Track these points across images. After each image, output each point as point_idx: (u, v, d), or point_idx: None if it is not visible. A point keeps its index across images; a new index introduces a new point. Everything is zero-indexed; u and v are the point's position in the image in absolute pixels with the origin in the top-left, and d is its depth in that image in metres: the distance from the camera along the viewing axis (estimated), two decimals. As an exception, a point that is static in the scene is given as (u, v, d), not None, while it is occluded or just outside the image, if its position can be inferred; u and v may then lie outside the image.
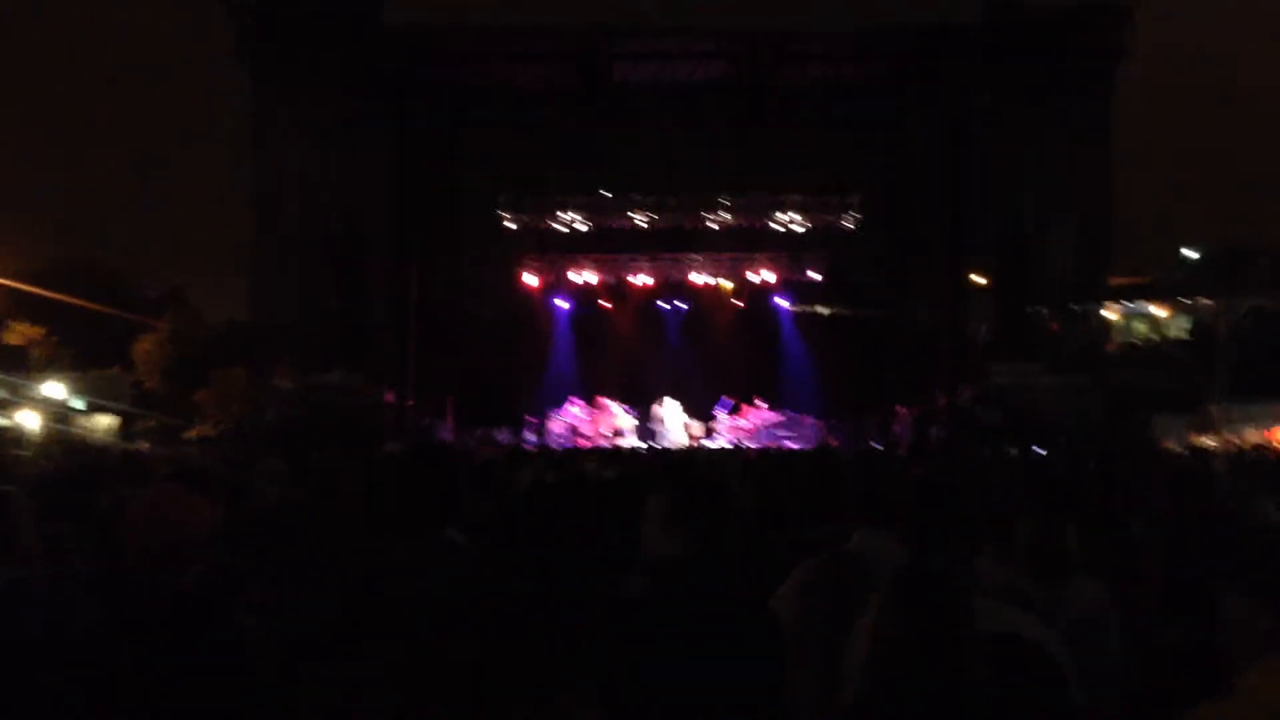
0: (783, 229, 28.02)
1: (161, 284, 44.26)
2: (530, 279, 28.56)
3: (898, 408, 27.15)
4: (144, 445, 26.12)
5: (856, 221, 28.01)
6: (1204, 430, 22.70)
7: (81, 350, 33.77)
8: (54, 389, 26.67)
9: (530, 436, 26.78)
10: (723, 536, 3.33)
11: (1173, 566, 3.90)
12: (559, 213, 27.74)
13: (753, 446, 25.07)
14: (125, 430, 29.09)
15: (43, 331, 33.37)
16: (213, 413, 28.06)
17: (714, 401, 27.53)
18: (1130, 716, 2.74)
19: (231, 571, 3.15)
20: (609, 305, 29.44)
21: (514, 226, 27.97)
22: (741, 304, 29.43)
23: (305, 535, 5.38)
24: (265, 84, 27.17)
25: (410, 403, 26.77)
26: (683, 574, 3.19)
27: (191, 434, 26.57)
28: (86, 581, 2.74)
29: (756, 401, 27.55)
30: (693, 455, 17.73)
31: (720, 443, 26.24)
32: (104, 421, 29.48)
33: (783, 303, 29.52)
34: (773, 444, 25.59)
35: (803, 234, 28.16)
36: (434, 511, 3.05)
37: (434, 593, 2.82)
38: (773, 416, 27.30)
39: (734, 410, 27.50)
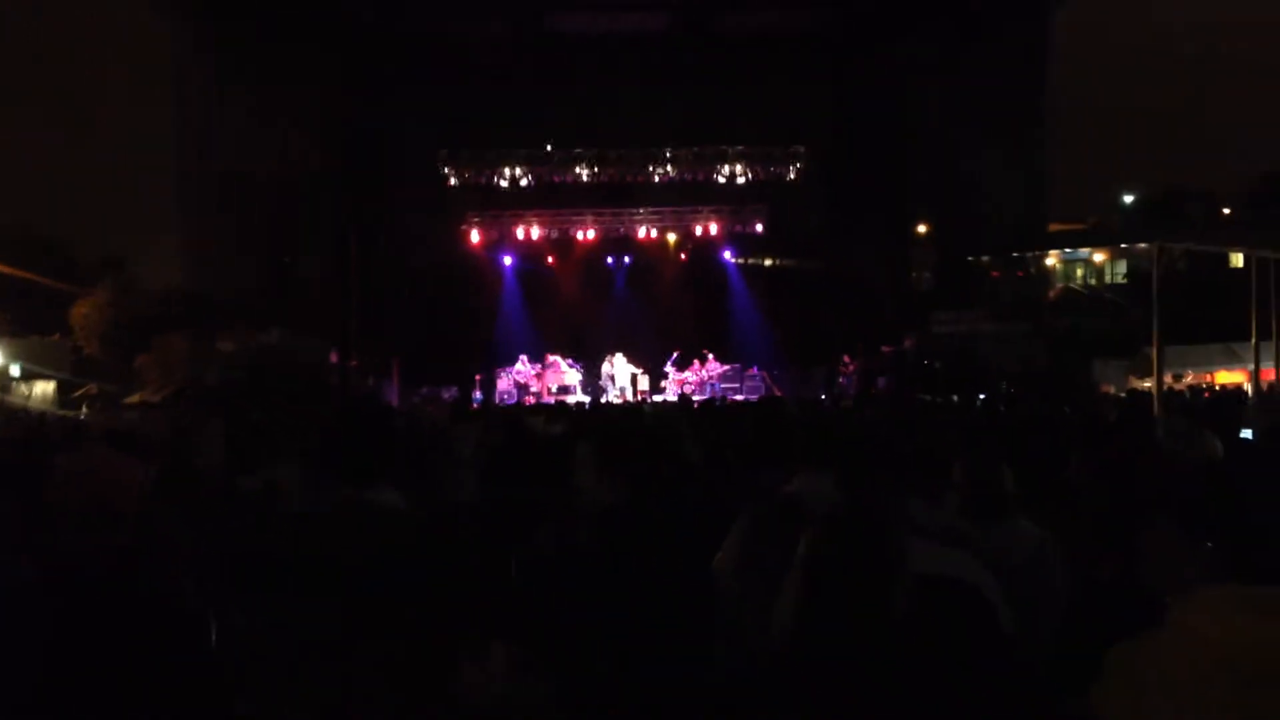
0: (726, 181, 27.98)
1: (100, 250, 43.58)
2: (474, 235, 28.36)
3: (844, 358, 27.32)
4: (83, 412, 25.77)
5: (800, 173, 28.04)
6: (1143, 373, 23.05)
7: (18, 317, 33.19)
8: (-11, 356, 26.24)
9: (477, 395, 26.69)
10: (654, 484, 3.32)
11: (1105, 504, 3.95)
12: (502, 168, 27.51)
13: (700, 399, 25.18)
14: (64, 397, 28.66)
15: (-22, 298, 32.76)
16: (154, 378, 27.69)
17: (661, 356, 27.54)
18: (1065, 652, 2.77)
19: (164, 532, 3.10)
20: (554, 261, 29.32)
21: (455, 182, 27.71)
22: (686, 257, 29.43)
23: (244, 496, 5.35)
24: (198, 43, 26.62)
25: (354, 363, 26.53)
26: (612, 522, 3.19)
27: (133, 400, 26.22)
28: (14, 544, 2.70)
29: (704, 355, 27.61)
30: (638, 409, 17.74)
31: (668, 397, 26.29)
32: (43, 388, 29.02)
33: (728, 255, 29.57)
34: (720, 397, 25.70)
35: (746, 186, 28.14)
36: (368, 467, 3.02)
37: (365, 548, 2.79)
38: (719, 369, 27.38)
39: (681, 364, 27.53)
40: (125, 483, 2.82)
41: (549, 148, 27.77)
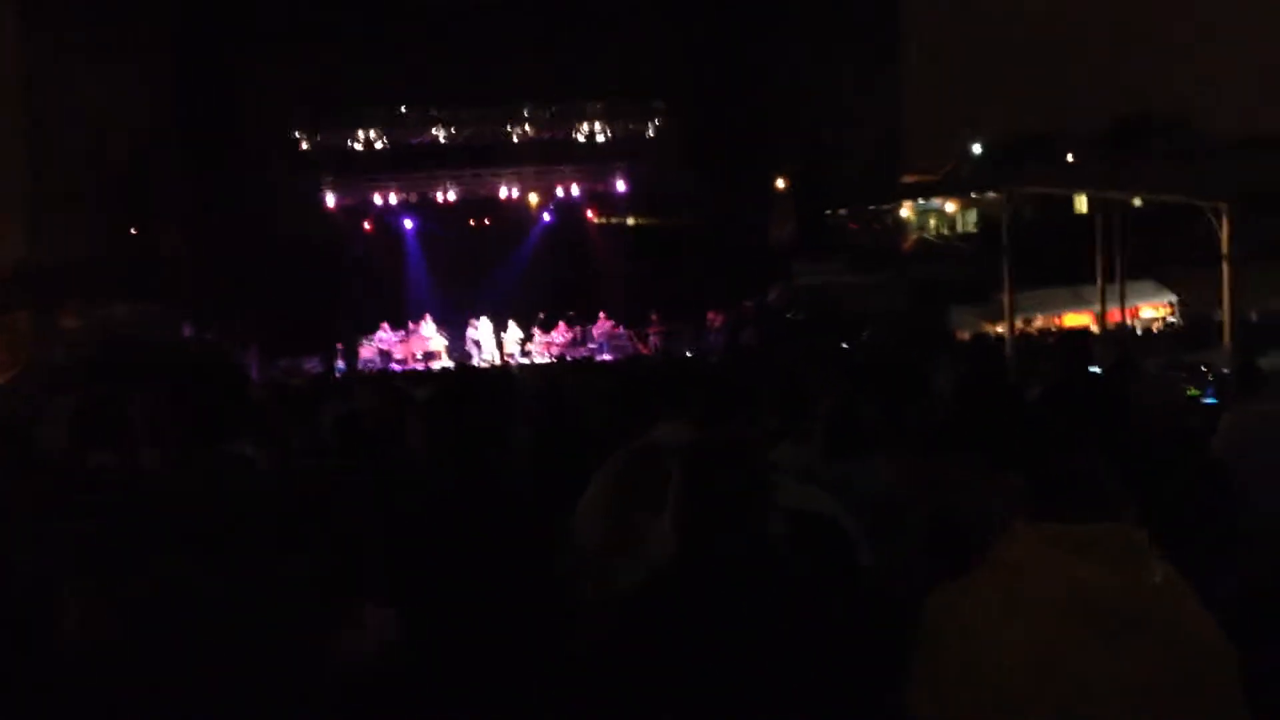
0: (586, 139, 27.87)
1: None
2: (330, 200, 27.75)
3: (709, 314, 27.56)
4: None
5: (659, 130, 28.07)
6: (995, 318, 23.81)
7: None
8: None
9: (340, 364, 26.23)
10: (496, 449, 3.31)
11: (955, 440, 4.06)
12: (355, 130, 26.92)
13: (568, 358, 25.20)
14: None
15: None
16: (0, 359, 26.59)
17: (526, 318, 27.40)
18: (917, 584, 2.84)
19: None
20: (414, 224, 28.89)
21: (307, 146, 27.03)
22: (549, 218, 29.31)
23: (95, 472, 5.16)
24: (32, 7, 25.37)
25: (209, 335, 25.82)
26: (451, 486, 3.18)
27: (-24, 381, 25.14)
28: None
29: (569, 316, 27.56)
30: (503, 371, 17.70)
31: (535, 359, 26.22)
32: (-123, 376, 27.60)
33: (590, 215, 29.52)
34: (587, 356, 25.76)
35: (606, 144, 28.07)
36: (221, 423, 2.93)
37: (221, 504, 2.71)
38: (587, 329, 27.38)
39: (546, 326, 27.43)
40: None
41: (403, 109, 27.25)
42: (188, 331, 25.05)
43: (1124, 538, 2.18)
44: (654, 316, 27.32)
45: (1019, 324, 22.80)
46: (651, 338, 27.15)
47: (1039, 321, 26.37)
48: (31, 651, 2.65)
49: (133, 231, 25.80)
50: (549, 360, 25.69)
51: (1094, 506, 2.19)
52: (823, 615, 2.51)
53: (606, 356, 25.23)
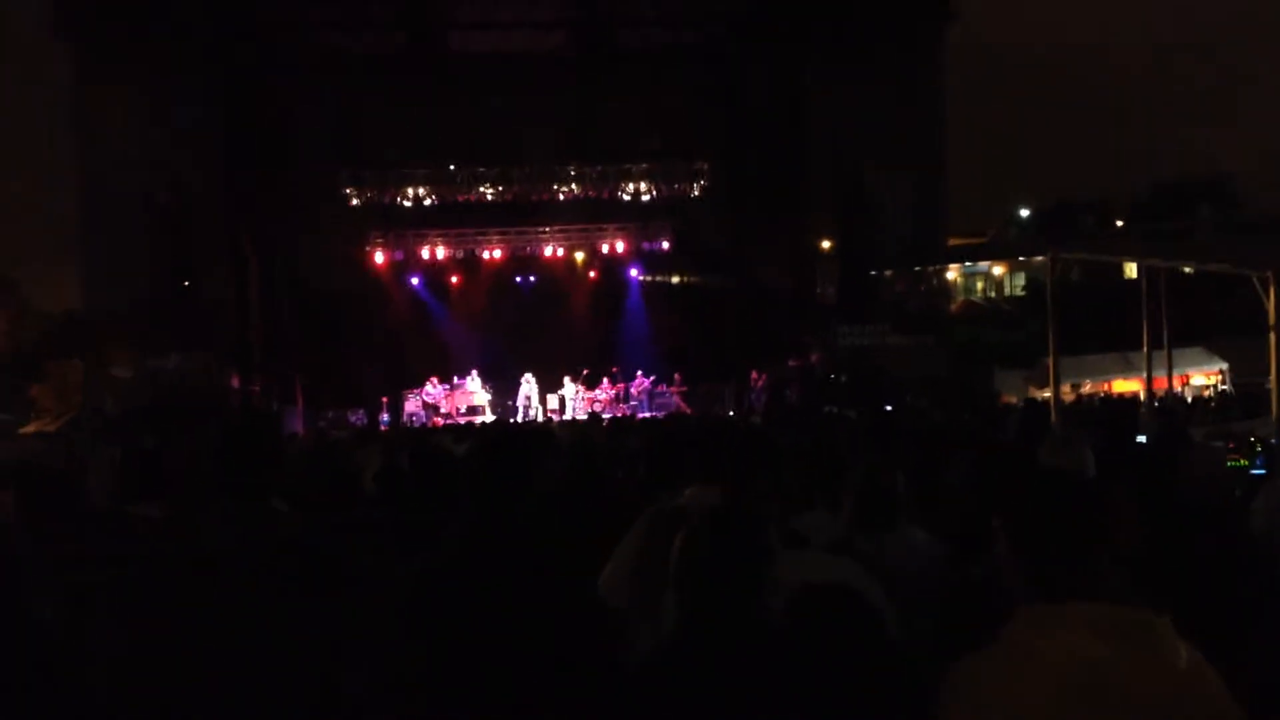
0: (631, 198, 28.07)
1: (-8, 278, 42.32)
2: (377, 255, 28.09)
3: (751, 373, 27.53)
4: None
5: (704, 189, 28.23)
6: (1041, 383, 23.59)
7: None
8: (-124, 388, 25.34)
9: (385, 417, 26.40)
10: (524, 499, 3.32)
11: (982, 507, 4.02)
12: (404, 186, 27.28)
13: (610, 416, 25.18)
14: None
15: None
16: (50, 406, 26.97)
17: (571, 375, 27.50)
18: (940, 653, 2.81)
19: (26, 561, 3.01)
20: (460, 281, 29.16)
21: (357, 201, 27.40)
22: (594, 276, 29.49)
23: (137, 523, 5.22)
24: (88, 58, 26.00)
25: (256, 387, 26.09)
26: (481, 537, 3.18)
27: (29, 429, 25.50)
28: None
29: (613, 373, 27.64)
30: (546, 427, 17.69)
31: (578, 416, 26.26)
32: (-65, 421, 28.08)
33: (635, 273, 29.67)
34: (630, 414, 25.74)
35: (651, 203, 28.26)
36: (254, 479, 2.97)
37: (251, 556, 2.75)
38: (630, 387, 27.44)
39: (590, 383, 27.52)
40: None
41: (452, 167, 27.59)
42: (235, 383, 25.32)
43: (1144, 620, 2.14)
44: (676, 376, 27.37)
45: (1066, 390, 22.56)
46: (673, 397, 27.16)
47: (1087, 387, 26.11)
48: (61, 699, 2.68)
49: (185, 284, 26.14)
50: (595, 416, 25.70)
51: (1110, 586, 2.17)
52: (832, 688, 2.49)
53: (647, 414, 25.21)
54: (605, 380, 27.52)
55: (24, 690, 2.59)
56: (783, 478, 3.46)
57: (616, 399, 27.24)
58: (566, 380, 27.39)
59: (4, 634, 2.61)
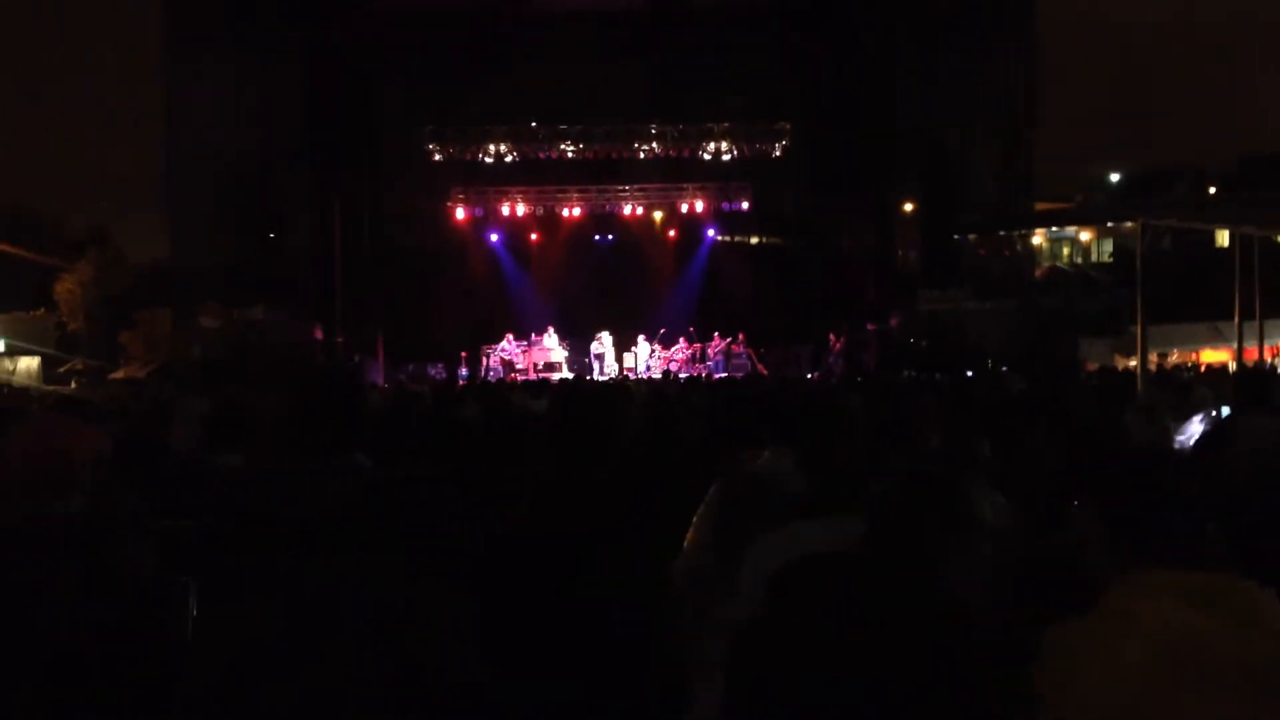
0: (711, 158, 27.90)
1: (84, 224, 43.41)
2: (458, 211, 28.27)
3: (829, 336, 27.32)
4: (72, 387, 25.71)
5: (785, 150, 27.95)
6: (1127, 352, 23.11)
7: (2, 292, 33.10)
8: (-28, 332, 26.16)
9: (463, 372, 26.65)
10: (600, 465, 3.32)
11: (1060, 480, 3.95)
12: (485, 143, 27.37)
13: (686, 376, 25.16)
14: (51, 372, 28.61)
15: (-42, 273, 32.63)
16: (139, 353, 27.65)
17: (648, 333, 27.53)
18: (1005, 623, 2.77)
19: (121, 501, 3.08)
20: (539, 239, 29.27)
21: (439, 157, 27.57)
22: (673, 235, 29.42)
23: (220, 471, 5.33)
24: (177, 13, 26.38)
25: (339, 339, 26.48)
26: (554, 498, 3.19)
27: (118, 375, 26.17)
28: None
29: (690, 332, 27.59)
30: (624, 386, 17.73)
31: (654, 374, 26.27)
32: (27, 364, 28.93)
33: (713, 233, 29.54)
34: (706, 374, 25.69)
35: (732, 163, 28.06)
36: (337, 434, 2.99)
37: (333, 511, 2.78)
38: (705, 347, 27.38)
39: (667, 341, 27.51)
40: (79, 451, 2.79)
41: (533, 124, 27.61)
42: (318, 335, 25.71)
43: (1244, 588, 2.11)
44: (740, 336, 27.19)
45: (1153, 359, 22.09)
46: (748, 358, 27.00)
47: (1174, 356, 25.52)
48: (154, 650, 2.73)
49: (270, 236, 26.56)
50: (673, 376, 25.73)
51: (1208, 556, 2.13)
52: (923, 649, 2.47)
53: (722, 374, 25.14)
54: (681, 340, 27.50)
55: (128, 641, 2.65)
56: (859, 443, 3.41)
57: (692, 359, 27.22)
58: (642, 339, 27.44)
59: (108, 582, 2.67)
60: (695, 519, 3.76)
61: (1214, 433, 6.26)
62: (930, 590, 2.47)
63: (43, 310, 33.47)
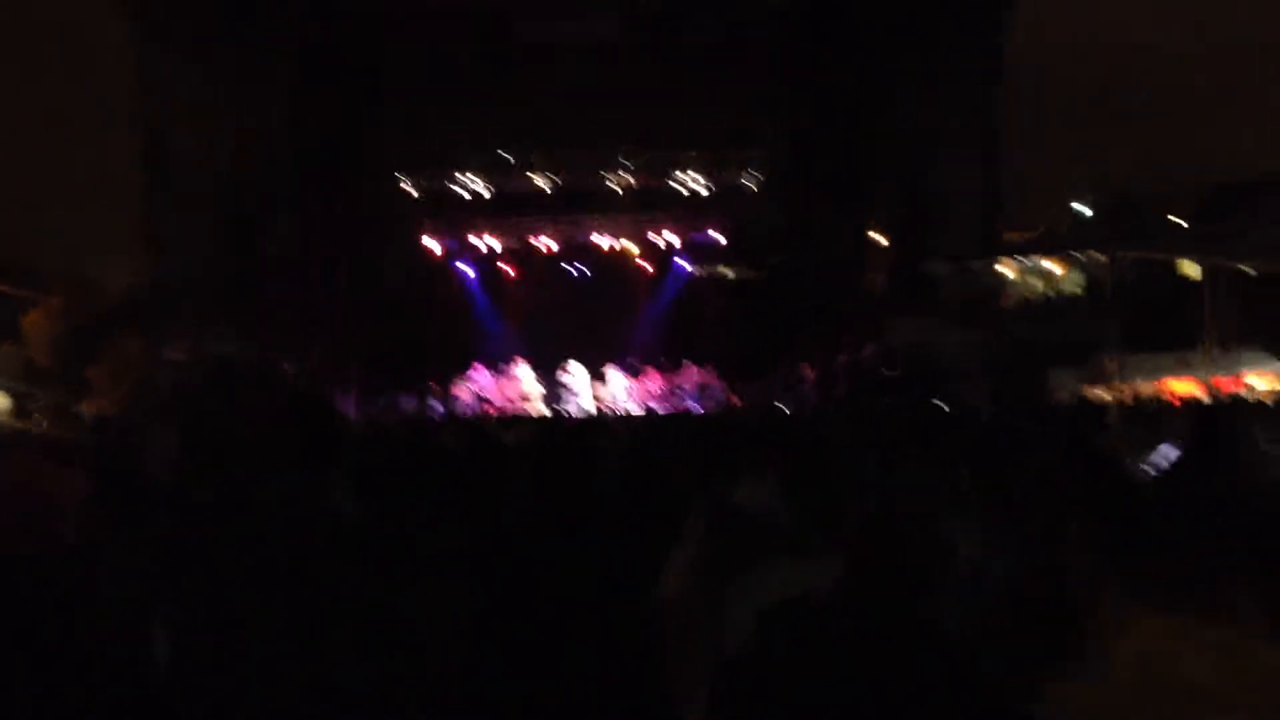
0: (683, 188, 28.03)
1: (56, 254, 42.94)
2: (431, 243, 28.24)
3: (803, 366, 27.40)
4: (43, 423, 25.42)
5: (757, 180, 28.12)
6: (1097, 382, 23.27)
7: (-33, 329, 32.71)
8: (-63, 366, 25.80)
9: (436, 405, 26.55)
10: (583, 501, 3.32)
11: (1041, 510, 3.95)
12: (457, 174, 27.40)
13: (659, 409, 25.19)
14: (22, 408, 28.28)
15: (-77, 305, 32.24)
16: (106, 386, 27.34)
17: (620, 364, 27.54)
18: (995, 659, 2.76)
19: (102, 542, 3.04)
20: (512, 269, 29.27)
21: (411, 189, 27.58)
22: (645, 265, 29.49)
23: (197, 504, 5.28)
24: (151, 39, 26.26)
25: (311, 371, 26.31)
26: (536, 538, 3.18)
27: (85, 408, 25.87)
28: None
29: (663, 364, 27.62)
30: (603, 422, 17.77)
31: (627, 407, 26.28)
32: (-2, 401, 28.57)
33: (685, 263, 29.62)
34: (679, 406, 25.73)
35: (704, 193, 28.20)
36: (312, 457, 2.97)
37: (304, 547, 2.76)
38: (678, 379, 27.40)
39: (639, 374, 27.52)
40: (57, 494, 2.76)
41: (504, 155, 27.68)
42: (289, 367, 25.55)
43: (1251, 636, 2.08)
44: (710, 367, 27.31)
45: (1123, 388, 22.26)
46: (721, 389, 27.10)
47: (1142, 387, 25.71)
48: (123, 680, 2.70)
49: (242, 267, 26.41)
50: (639, 408, 25.74)
51: (1220, 601, 2.10)
52: (899, 679, 2.46)
53: (695, 406, 25.16)
54: (654, 371, 27.51)
55: (96, 672, 2.61)
56: (841, 475, 3.41)
57: (665, 390, 27.22)
58: (614, 370, 27.43)
59: (91, 618, 2.64)
60: (673, 552, 3.75)
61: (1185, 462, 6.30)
62: (912, 628, 2.46)
63: (8, 344, 33.08)
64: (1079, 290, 33.91)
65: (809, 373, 27.21)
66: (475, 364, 27.26)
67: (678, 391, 27.13)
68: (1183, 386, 25.01)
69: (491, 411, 25.41)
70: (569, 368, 27.18)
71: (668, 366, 27.58)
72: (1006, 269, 34.04)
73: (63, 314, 34.36)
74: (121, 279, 33.17)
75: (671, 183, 27.96)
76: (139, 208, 27.42)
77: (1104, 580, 2.23)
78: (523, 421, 16.14)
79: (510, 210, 28.33)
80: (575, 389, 27.10)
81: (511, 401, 26.65)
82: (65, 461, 2.84)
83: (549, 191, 28.02)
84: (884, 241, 28.60)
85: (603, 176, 27.91)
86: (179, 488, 5.70)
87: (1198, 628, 2.08)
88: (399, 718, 2.71)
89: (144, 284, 27.97)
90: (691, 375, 27.33)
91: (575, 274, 29.43)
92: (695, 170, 27.82)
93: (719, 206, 28.51)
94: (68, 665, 2.57)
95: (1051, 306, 31.58)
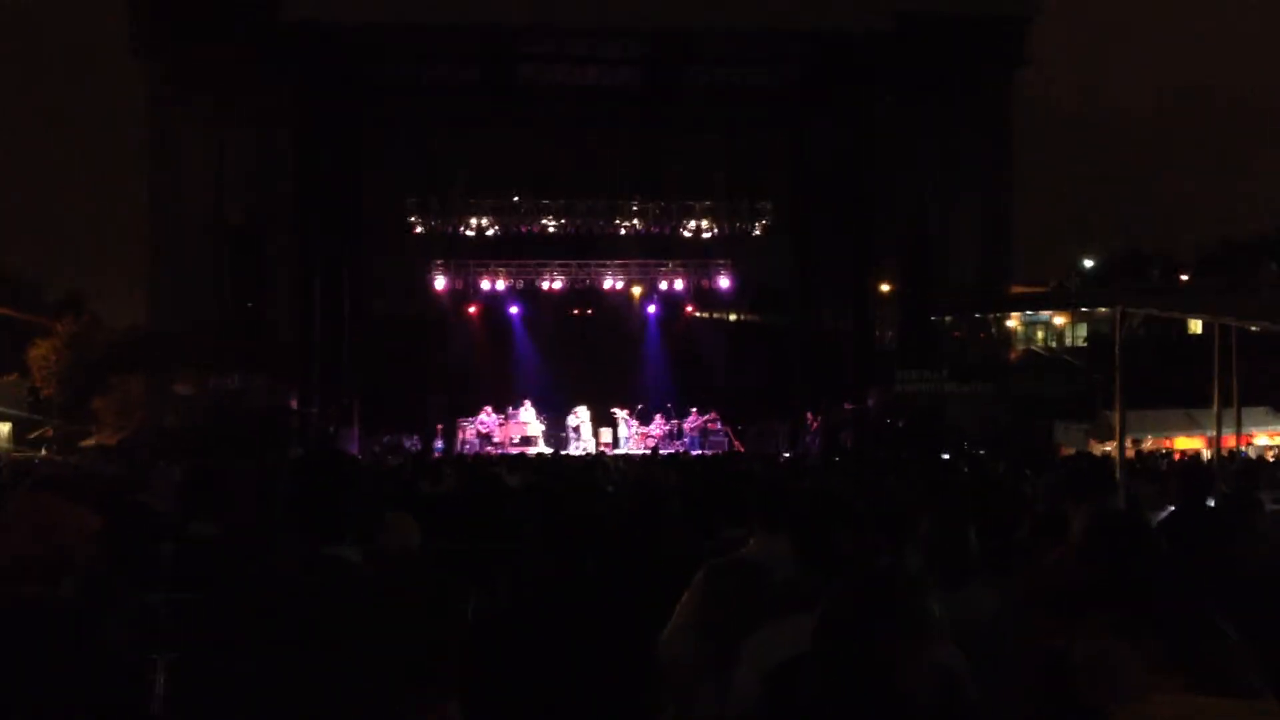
0: (692, 235, 28.12)
1: (62, 288, 43.23)
2: (439, 282, 28.29)
3: (807, 414, 27.37)
4: (41, 453, 25.40)
5: (765, 228, 28.22)
6: (1102, 437, 23.17)
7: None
8: (-56, 395, 25.85)
9: (439, 444, 26.49)
10: (589, 553, 3.29)
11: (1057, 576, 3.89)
12: (468, 216, 27.49)
13: (661, 453, 25.10)
14: (22, 437, 28.32)
15: (-68, 336, 32.38)
16: (111, 420, 27.37)
17: (624, 408, 27.50)
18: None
19: (109, 584, 3.02)
20: (518, 312, 29.29)
21: (421, 229, 27.66)
22: (652, 311, 29.51)
23: (198, 542, 5.25)
24: (162, 80, 26.43)
25: (314, 409, 26.30)
26: (543, 591, 3.16)
27: (89, 442, 25.87)
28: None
29: (668, 408, 27.59)
30: (599, 462, 17.66)
31: (630, 450, 26.19)
32: None
33: (692, 310, 29.66)
34: (681, 451, 25.63)
35: (712, 240, 28.29)
36: (329, 523, 2.92)
37: (322, 607, 2.73)
38: (683, 424, 27.35)
39: (644, 417, 27.49)
40: (70, 532, 2.74)
41: (515, 198, 27.78)
42: (294, 405, 25.54)
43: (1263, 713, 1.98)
44: (713, 413, 27.32)
45: (1129, 445, 22.15)
46: (725, 435, 27.09)
47: (1149, 443, 25.61)
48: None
49: (249, 305, 26.45)
50: (643, 452, 25.65)
51: (1238, 680, 2.01)
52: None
53: (697, 451, 25.10)
54: (659, 416, 27.48)
55: (91, 712, 2.58)
56: (863, 533, 3.38)
57: (669, 435, 27.17)
58: (619, 414, 27.41)
59: (79, 657, 2.61)
60: (679, 605, 3.70)
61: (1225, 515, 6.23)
62: (882, 694, 2.42)
63: (15, 375, 33.16)
64: (1084, 344, 33.94)
65: (813, 420, 27.18)
66: (485, 406, 27.18)
67: (681, 436, 27.07)
68: (1189, 443, 24.93)
69: (494, 452, 25.33)
70: (576, 411, 27.16)
71: (673, 411, 27.54)
72: (1013, 322, 34.10)
73: (69, 346, 34.54)
74: (126, 316, 33.34)
75: (681, 230, 28.04)
76: (145, 248, 27.53)
77: (1119, 645, 2.15)
78: (526, 461, 16.10)
79: (519, 252, 28.39)
80: (579, 431, 27.07)
81: (513, 441, 26.58)
82: (77, 497, 2.81)
83: (558, 235, 28.08)
84: (891, 292, 28.64)
85: (613, 221, 27.99)
86: (183, 523, 5.66)
87: (1211, 696, 2.01)
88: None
89: (150, 323, 28.08)
90: (694, 420, 27.29)
91: (581, 318, 29.43)
92: (705, 218, 27.91)
93: (727, 254, 28.56)
94: (66, 708, 2.55)
95: (1058, 361, 31.58)
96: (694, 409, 27.46)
